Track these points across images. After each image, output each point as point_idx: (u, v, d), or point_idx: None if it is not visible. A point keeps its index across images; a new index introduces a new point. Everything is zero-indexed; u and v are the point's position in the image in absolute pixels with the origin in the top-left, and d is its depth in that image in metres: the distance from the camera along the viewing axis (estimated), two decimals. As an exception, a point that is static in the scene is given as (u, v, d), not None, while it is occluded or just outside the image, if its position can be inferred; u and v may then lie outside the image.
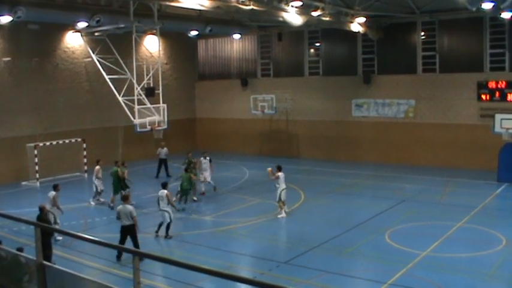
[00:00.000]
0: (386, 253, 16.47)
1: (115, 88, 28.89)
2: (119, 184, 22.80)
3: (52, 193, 18.32)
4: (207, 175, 25.16)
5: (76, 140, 30.24)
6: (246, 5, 23.79)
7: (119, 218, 16.52)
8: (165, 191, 18.47)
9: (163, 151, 29.49)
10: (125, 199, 16.96)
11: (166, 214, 18.36)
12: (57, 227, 17.15)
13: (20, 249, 9.85)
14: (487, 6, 23.72)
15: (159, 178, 28.20)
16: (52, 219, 17.06)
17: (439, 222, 19.64)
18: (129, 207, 16.58)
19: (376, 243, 17.54)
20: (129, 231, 16.32)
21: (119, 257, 15.86)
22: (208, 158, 25.29)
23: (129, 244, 15.95)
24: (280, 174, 20.74)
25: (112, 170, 23.08)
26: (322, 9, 26.72)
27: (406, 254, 16.24)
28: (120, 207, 16.66)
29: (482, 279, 14.35)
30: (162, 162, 29.53)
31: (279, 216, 20.72)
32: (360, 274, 15.17)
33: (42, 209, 16.00)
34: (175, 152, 35.05)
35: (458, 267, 15.04)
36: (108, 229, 19.54)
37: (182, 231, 19.60)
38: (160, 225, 18.60)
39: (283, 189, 20.68)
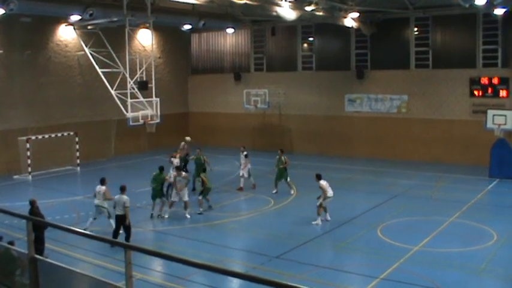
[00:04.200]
0: (378, 248, 16.53)
1: (108, 82, 28.78)
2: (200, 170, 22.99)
3: None
4: (244, 170, 24.69)
5: (68, 134, 30.09)
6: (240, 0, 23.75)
7: (115, 207, 17.14)
8: (103, 187, 18.21)
9: (186, 145, 29.05)
10: (122, 190, 17.30)
11: (105, 210, 18.21)
12: None
13: (11, 243, 9.82)
14: (480, 2, 23.82)
15: (189, 172, 28.07)
16: None
17: (431, 218, 19.72)
18: (125, 197, 17.02)
19: (368, 238, 17.60)
20: (121, 220, 16.94)
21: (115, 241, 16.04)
22: (245, 153, 24.85)
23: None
24: (322, 182, 19.32)
25: (196, 157, 24.01)
26: (316, 4, 26.66)
27: (398, 248, 16.31)
28: (117, 196, 17.16)
29: (473, 274, 14.45)
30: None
31: (313, 222, 19.23)
32: (352, 269, 15.22)
33: (33, 203, 15.96)
34: (168, 147, 35.00)
35: (450, 262, 15.12)
36: (100, 223, 19.50)
37: (174, 225, 19.59)
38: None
39: (328, 197, 19.17)
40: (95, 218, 18.40)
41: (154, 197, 20.44)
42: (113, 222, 18.05)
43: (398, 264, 14.98)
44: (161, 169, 20.71)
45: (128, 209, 16.84)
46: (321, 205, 19.23)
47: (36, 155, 28.01)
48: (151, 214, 20.38)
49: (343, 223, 19.22)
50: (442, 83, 30.70)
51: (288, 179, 23.89)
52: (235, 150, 29.02)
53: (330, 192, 19.22)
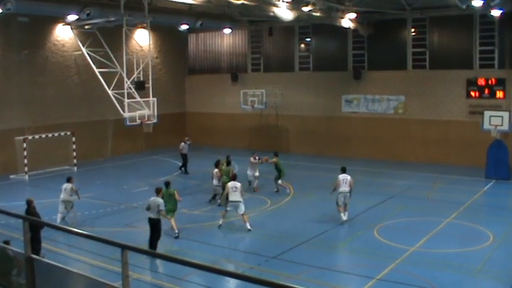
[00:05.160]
0: (375, 248, 16.54)
1: (105, 82, 28.77)
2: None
3: None
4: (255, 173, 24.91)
5: (65, 134, 30.02)
6: (237, 0, 23.74)
7: (148, 209, 16.66)
8: (70, 184, 18.96)
9: (186, 146, 29.04)
10: (158, 192, 16.97)
11: (70, 204, 19.08)
12: None
13: (6, 242, 9.80)
14: (476, 3, 23.86)
15: (188, 173, 28.30)
16: None
17: (427, 218, 19.74)
18: (160, 200, 16.63)
19: (365, 239, 17.61)
20: (155, 224, 16.47)
21: None
22: (257, 157, 25.01)
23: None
24: (340, 175, 19.29)
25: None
26: (313, 4, 26.71)
27: (394, 249, 16.33)
28: (152, 198, 16.73)
29: (470, 275, 14.47)
30: (186, 157, 28.88)
31: (340, 221, 19.19)
32: (349, 269, 15.23)
33: (29, 203, 15.93)
34: (165, 147, 35.07)
35: (447, 263, 15.13)
36: (97, 223, 19.50)
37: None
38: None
39: (340, 192, 19.09)
40: (64, 217, 18.94)
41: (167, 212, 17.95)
42: (72, 212, 18.57)
43: (395, 264, 15.00)
44: (167, 184, 18.23)
45: (162, 212, 16.44)
46: (337, 202, 19.23)
47: (33, 155, 27.96)
48: None
49: (340, 223, 19.21)
50: (439, 83, 30.74)
51: (280, 181, 23.97)
52: (233, 151, 29.02)
53: (341, 188, 19.07)
